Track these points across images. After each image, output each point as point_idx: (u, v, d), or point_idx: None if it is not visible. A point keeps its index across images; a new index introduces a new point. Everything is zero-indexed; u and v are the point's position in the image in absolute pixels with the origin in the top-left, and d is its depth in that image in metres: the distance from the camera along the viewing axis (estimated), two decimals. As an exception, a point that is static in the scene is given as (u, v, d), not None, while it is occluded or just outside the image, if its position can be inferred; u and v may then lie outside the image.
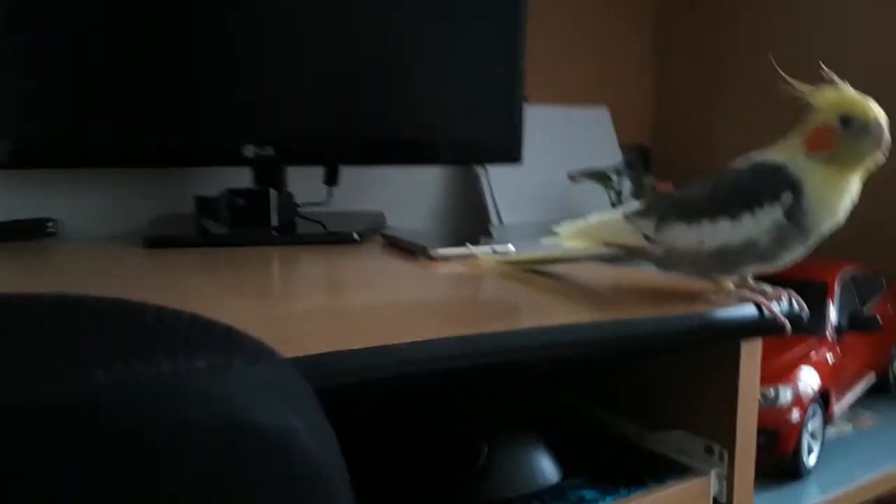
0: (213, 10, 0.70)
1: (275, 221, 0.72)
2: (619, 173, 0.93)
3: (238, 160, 0.72)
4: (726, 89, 1.07)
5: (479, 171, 0.99)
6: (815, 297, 0.65)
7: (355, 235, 0.71)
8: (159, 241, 0.68)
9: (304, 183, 0.82)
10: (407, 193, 1.02)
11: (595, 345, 0.39)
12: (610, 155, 1.07)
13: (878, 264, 0.83)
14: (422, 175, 1.03)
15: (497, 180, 0.98)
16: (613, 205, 0.93)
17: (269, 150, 0.72)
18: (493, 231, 0.95)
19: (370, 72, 0.74)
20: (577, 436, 0.53)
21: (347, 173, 0.91)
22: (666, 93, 1.20)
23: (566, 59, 1.10)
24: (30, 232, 0.74)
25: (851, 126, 0.39)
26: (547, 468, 0.46)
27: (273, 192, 0.72)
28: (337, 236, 0.71)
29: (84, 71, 0.69)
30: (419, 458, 0.46)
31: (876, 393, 0.76)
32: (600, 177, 0.92)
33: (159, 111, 0.70)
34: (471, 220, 1.04)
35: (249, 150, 0.72)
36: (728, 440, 0.47)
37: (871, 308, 0.72)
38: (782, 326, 0.42)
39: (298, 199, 0.81)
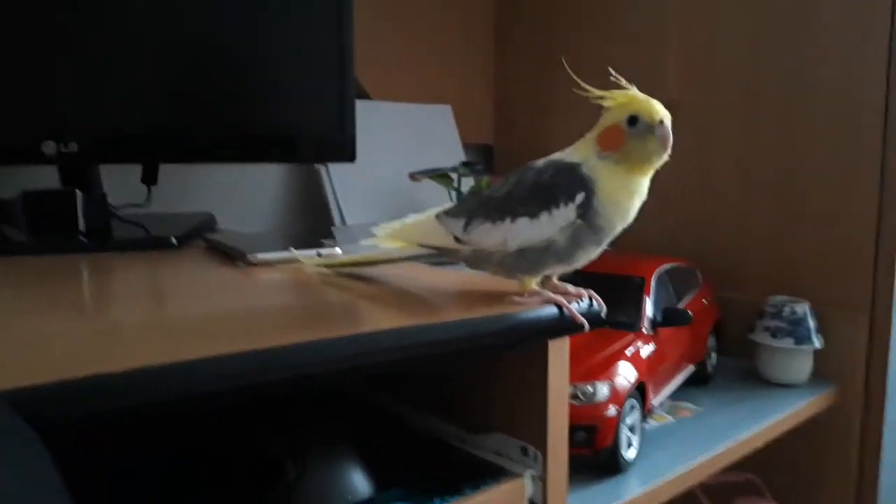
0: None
1: (83, 226, 0.66)
2: (459, 173, 0.93)
3: (37, 158, 0.65)
4: (563, 87, 1.11)
5: (321, 170, 0.96)
6: (633, 293, 0.68)
7: (173, 240, 0.66)
8: (-57, 249, 0.61)
9: (127, 182, 0.76)
10: (245, 193, 0.97)
11: (402, 350, 0.38)
12: (453, 153, 1.07)
13: (698, 260, 0.88)
14: (262, 174, 0.99)
15: (339, 180, 0.96)
16: (455, 204, 0.93)
17: (73, 147, 0.65)
18: (336, 232, 0.92)
19: (190, 61, 0.70)
20: (397, 443, 0.52)
21: (175, 170, 0.85)
22: (506, 91, 1.22)
23: (410, 56, 1.10)
24: None
25: (637, 126, 0.40)
26: (359, 482, 0.45)
27: (79, 194, 0.66)
28: (152, 241, 0.66)
29: None
30: (222, 480, 0.43)
31: (695, 384, 0.80)
32: (441, 177, 0.92)
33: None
34: (314, 220, 1.01)
35: (49, 147, 0.65)
36: (541, 440, 0.47)
37: (686, 302, 0.76)
38: (581, 326, 0.42)
39: (120, 200, 0.75)
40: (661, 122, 0.40)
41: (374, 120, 1.00)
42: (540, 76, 1.16)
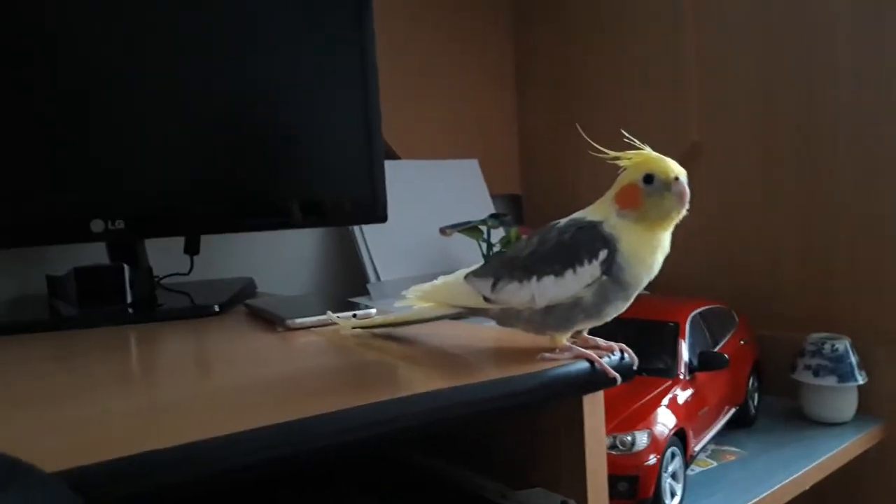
0: (56, 79, 0.67)
1: (130, 298, 0.69)
2: (489, 225, 0.95)
3: (86, 236, 0.68)
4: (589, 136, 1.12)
5: (354, 229, 0.99)
6: (668, 338, 0.68)
7: (215, 307, 0.68)
8: (5, 327, 0.64)
9: (171, 252, 0.79)
10: (283, 256, 1.00)
11: (441, 411, 0.39)
12: (482, 205, 1.09)
13: (733, 299, 0.88)
14: (298, 236, 1.02)
15: (372, 237, 0.98)
16: (485, 256, 0.95)
17: (119, 225, 0.69)
18: (371, 288, 0.95)
19: (226, 138, 0.73)
20: (439, 501, 0.53)
21: (216, 239, 0.89)
22: (531, 141, 1.24)
23: (434, 114, 1.13)
24: None
25: (653, 184, 0.41)
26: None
27: (126, 268, 0.69)
28: (196, 310, 0.68)
29: None
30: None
31: (738, 426, 0.79)
32: (471, 230, 0.94)
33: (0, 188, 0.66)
34: (350, 279, 1.04)
35: (98, 226, 0.68)
36: (582, 493, 0.47)
37: (724, 344, 0.76)
38: (613, 380, 0.43)
39: (165, 270, 0.79)
40: (677, 178, 0.41)
41: (403, 178, 1.03)
42: (563, 123, 1.18)
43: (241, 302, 0.74)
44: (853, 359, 0.81)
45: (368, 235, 0.98)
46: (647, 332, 0.68)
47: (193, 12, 0.71)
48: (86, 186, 0.69)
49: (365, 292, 0.94)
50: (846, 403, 0.82)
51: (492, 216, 0.96)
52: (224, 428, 0.33)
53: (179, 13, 0.70)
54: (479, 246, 0.96)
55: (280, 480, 0.54)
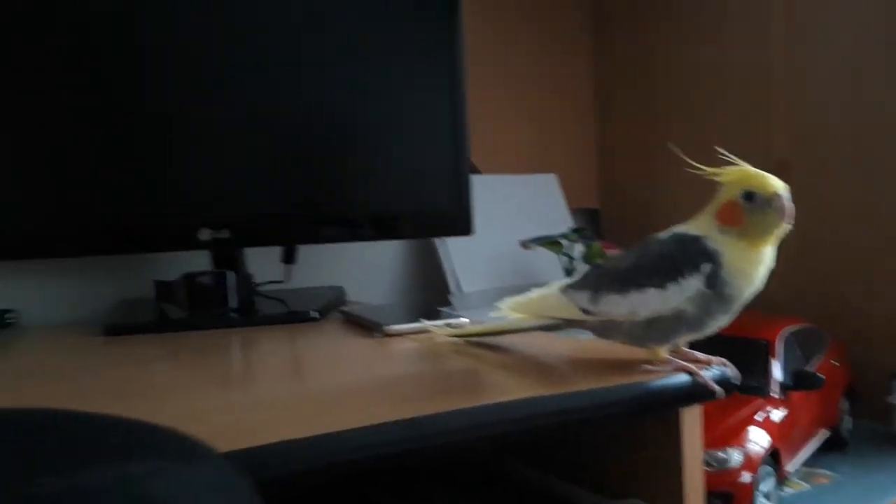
0: (163, 97, 0.72)
1: (233, 303, 0.73)
2: (569, 239, 0.95)
3: (195, 244, 0.73)
4: (666, 150, 1.12)
5: (437, 241, 1.01)
6: (759, 356, 0.68)
7: (314, 314, 0.72)
8: (118, 328, 0.69)
9: (264, 260, 0.83)
10: (368, 266, 1.04)
11: (538, 418, 0.41)
12: (561, 220, 1.10)
13: (826, 319, 0.86)
14: (382, 247, 1.06)
15: (455, 250, 1.01)
16: (566, 269, 0.96)
17: (224, 234, 0.73)
18: (453, 300, 0.97)
19: (321, 153, 0.77)
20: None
21: (307, 249, 0.92)
22: (611, 155, 1.24)
23: (513, 128, 1.15)
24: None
25: (755, 200, 0.42)
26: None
27: (230, 274, 0.73)
28: (296, 316, 0.72)
29: (37, 162, 0.70)
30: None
31: (830, 449, 0.77)
32: (551, 244, 0.95)
33: (114, 198, 0.72)
34: (432, 289, 1.06)
35: (205, 234, 0.73)
36: (678, 506, 0.48)
37: (815, 364, 0.75)
38: (713, 393, 0.44)
39: (259, 278, 0.83)
40: (777, 194, 0.41)
41: (484, 193, 1.05)
42: (644, 139, 1.18)
43: (334, 309, 0.77)
44: (953, 383, 0.78)
45: (451, 248, 1.01)
46: (737, 350, 0.67)
47: (287, 30, 0.75)
48: (195, 198, 0.74)
49: (447, 303, 0.97)
50: (944, 429, 0.79)
51: (572, 230, 0.96)
52: (348, 423, 0.35)
53: (271, 28, 0.74)
54: (560, 260, 0.97)
55: (374, 478, 0.56)
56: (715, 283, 0.42)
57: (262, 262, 0.83)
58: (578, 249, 0.99)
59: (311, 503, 0.47)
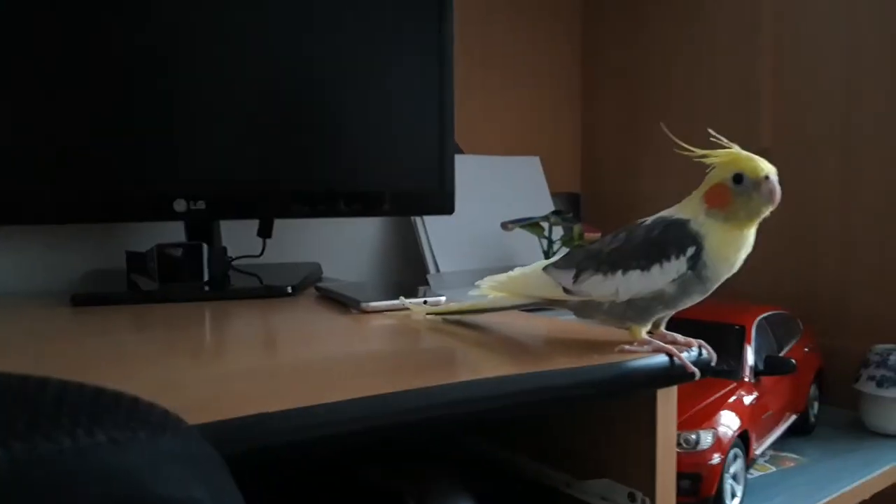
0: (140, 63, 0.70)
1: (207, 276, 0.72)
2: (550, 221, 0.95)
3: (169, 215, 0.71)
4: (649, 135, 1.12)
5: (416, 220, 1.00)
6: (734, 341, 0.68)
7: (289, 289, 0.71)
8: (87, 298, 0.67)
9: (239, 234, 0.82)
10: (345, 243, 1.03)
11: (515, 396, 0.41)
12: (542, 202, 1.10)
13: (798, 306, 0.87)
14: (360, 224, 1.05)
15: (433, 229, 1.00)
16: (545, 251, 0.96)
17: (200, 205, 0.72)
18: (430, 279, 0.96)
19: (302, 126, 0.75)
20: (504, 488, 0.54)
21: (284, 224, 0.91)
22: (593, 141, 1.24)
23: (497, 109, 1.14)
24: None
25: (743, 183, 0.42)
26: (475, 522, 0.47)
27: (205, 247, 0.72)
28: (270, 290, 0.71)
29: (5, 127, 0.68)
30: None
31: (797, 434, 0.79)
32: (532, 226, 0.95)
33: (87, 166, 0.70)
34: (409, 268, 1.05)
35: (180, 205, 0.71)
36: (649, 486, 0.48)
37: (788, 351, 0.76)
38: (692, 374, 0.44)
39: (234, 252, 0.81)
40: (767, 177, 0.41)
41: (466, 173, 1.04)
42: (626, 122, 1.18)
43: (310, 285, 0.76)
44: (919, 372, 0.80)
45: (430, 227, 1.00)
46: (712, 334, 0.68)
47: (270, 3, 0.73)
48: (170, 168, 0.72)
49: (424, 282, 0.96)
50: (909, 416, 0.80)
51: (554, 213, 0.96)
52: (321, 397, 0.34)
53: (262, 3, 0.73)
54: (540, 242, 0.97)
55: (348, 455, 0.56)
56: (696, 265, 0.42)
57: (238, 237, 0.82)
58: (559, 232, 0.99)
59: (300, 484, 0.47)
